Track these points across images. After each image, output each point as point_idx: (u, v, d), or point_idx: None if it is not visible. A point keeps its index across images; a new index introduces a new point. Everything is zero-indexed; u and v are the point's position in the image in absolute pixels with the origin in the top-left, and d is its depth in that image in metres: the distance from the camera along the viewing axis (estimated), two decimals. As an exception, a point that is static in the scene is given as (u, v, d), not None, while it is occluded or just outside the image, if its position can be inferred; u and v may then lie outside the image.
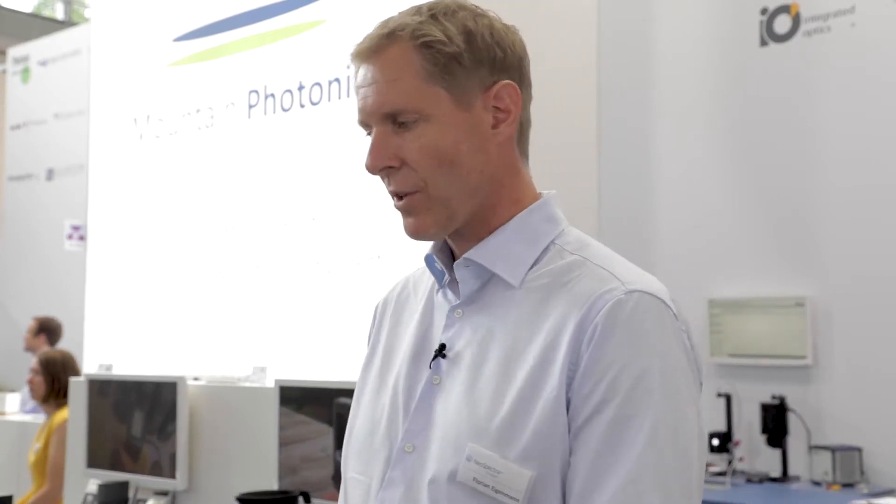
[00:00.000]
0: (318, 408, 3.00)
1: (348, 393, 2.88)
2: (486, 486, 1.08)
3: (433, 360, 1.19)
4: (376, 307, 1.36)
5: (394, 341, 1.28)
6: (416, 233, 1.18)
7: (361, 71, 1.17)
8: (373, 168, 1.16)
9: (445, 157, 1.14)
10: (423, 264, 1.27)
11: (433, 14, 1.16)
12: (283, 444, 3.07)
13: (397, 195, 1.17)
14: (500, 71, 1.17)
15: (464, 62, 1.14)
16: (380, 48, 1.15)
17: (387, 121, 1.15)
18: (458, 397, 1.13)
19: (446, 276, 1.23)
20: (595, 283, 1.12)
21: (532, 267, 1.16)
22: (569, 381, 1.07)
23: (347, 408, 1.33)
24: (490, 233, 1.18)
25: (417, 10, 1.17)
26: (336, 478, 2.90)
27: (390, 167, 1.15)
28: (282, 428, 3.06)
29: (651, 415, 1.04)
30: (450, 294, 1.22)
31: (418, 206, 1.16)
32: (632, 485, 1.02)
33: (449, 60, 1.14)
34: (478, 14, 1.18)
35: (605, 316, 1.07)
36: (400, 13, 1.18)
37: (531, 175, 1.23)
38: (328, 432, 2.94)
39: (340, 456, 1.29)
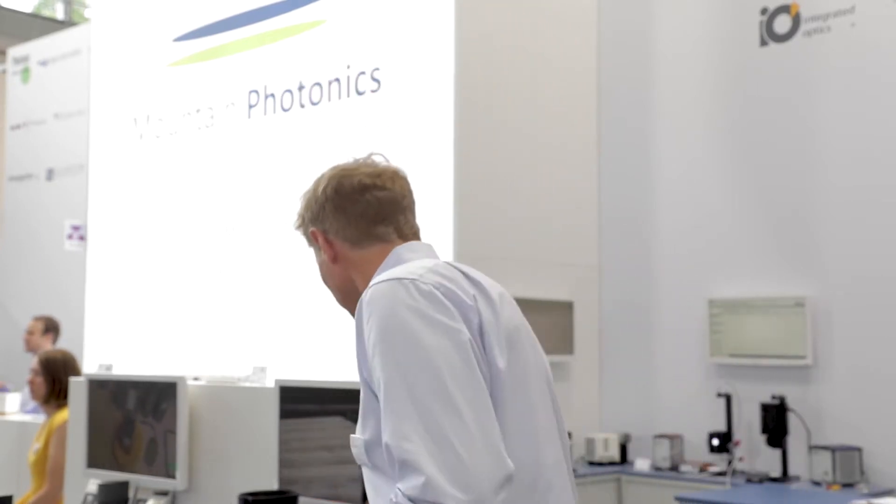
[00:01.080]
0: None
1: (352, 393, 2.89)
2: (358, 458, 1.52)
3: None
4: None
5: None
6: None
7: None
8: None
9: (324, 281, 1.77)
10: None
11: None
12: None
13: None
14: (313, 223, 1.76)
15: (302, 229, 1.79)
16: None
17: None
18: None
19: None
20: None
21: None
22: (361, 370, 1.50)
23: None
24: None
25: None
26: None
27: None
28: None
29: (383, 360, 1.42)
30: None
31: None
32: (389, 414, 1.38)
33: (303, 231, 1.80)
34: (313, 188, 1.79)
35: (357, 313, 1.52)
36: None
37: (396, 241, 1.71)
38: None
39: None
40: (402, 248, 1.69)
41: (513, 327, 1.56)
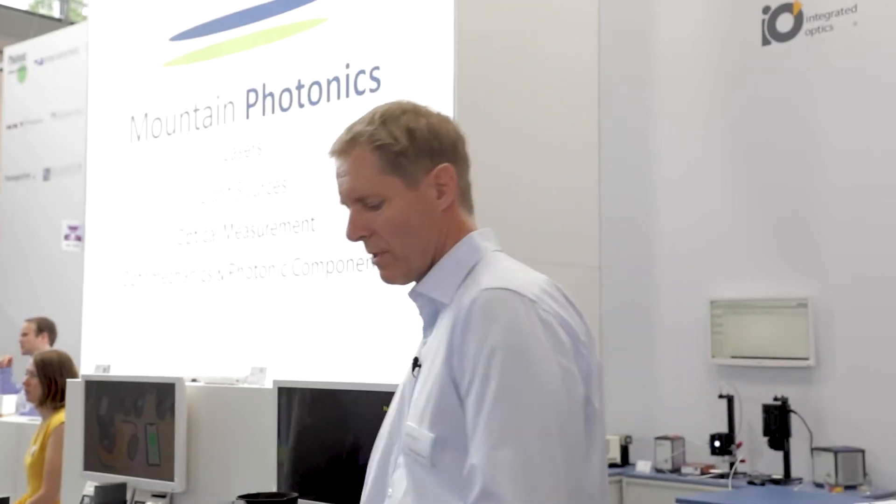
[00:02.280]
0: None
1: (351, 394, 2.86)
2: (411, 450, 1.46)
3: (412, 370, 1.57)
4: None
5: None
6: (387, 282, 1.59)
7: (336, 163, 1.59)
8: (350, 237, 1.57)
9: (402, 226, 1.53)
10: None
11: (384, 121, 1.55)
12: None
13: (372, 255, 1.58)
14: (438, 156, 1.55)
15: (409, 155, 1.53)
16: (346, 149, 1.56)
17: (357, 203, 1.56)
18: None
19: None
20: (470, 292, 1.46)
21: (459, 287, 1.52)
22: (450, 365, 1.42)
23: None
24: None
25: (371, 119, 1.56)
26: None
27: (363, 236, 1.56)
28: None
29: (498, 378, 1.36)
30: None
31: (386, 262, 1.57)
32: (487, 436, 1.34)
33: (396, 156, 1.53)
34: (419, 114, 1.57)
35: (465, 313, 1.42)
36: (361, 118, 1.58)
37: (472, 218, 1.62)
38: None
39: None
40: (478, 236, 1.59)
41: (599, 363, 1.55)
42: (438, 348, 1.47)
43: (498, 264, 1.53)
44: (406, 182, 1.53)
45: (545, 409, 1.36)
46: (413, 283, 1.59)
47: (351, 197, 1.57)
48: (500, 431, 1.34)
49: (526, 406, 1.35)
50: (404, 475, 1.48)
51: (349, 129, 1.57)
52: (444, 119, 1.59)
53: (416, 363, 1.56)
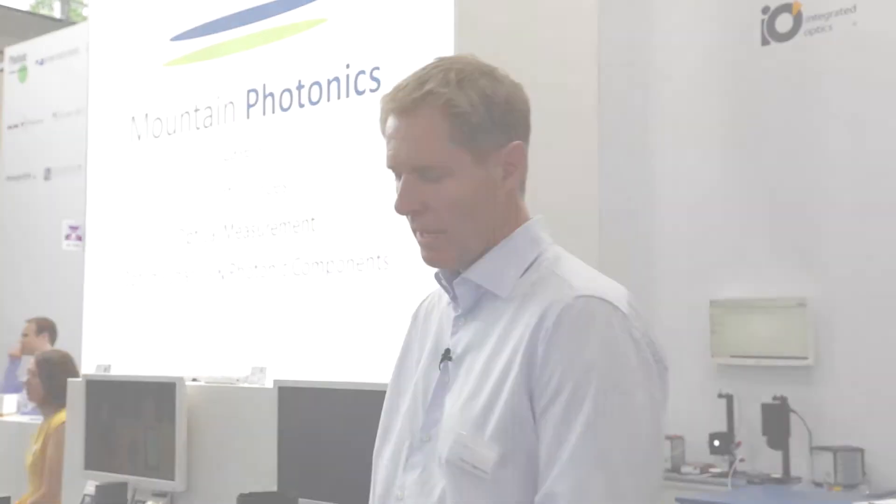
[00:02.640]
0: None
1: (352, 393, 2.87)
2: (466, 462, 1.30)
3: (441, 362, 1.41)
4: (415, 314, 1.57)
5: (419, 346, 1.50)
6: (432, 264, 1.41)
7: (392, 122, 1.37)
8: (401, 210, 1.38)
9: (464, 207, 1.36)
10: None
11: (460, 81, 1.35)
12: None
13: (421, 232, 1.38)
14: (512, 132, 1.38)
15: (485, 128, 1.35)
16: (413, 109, 1.35)
17: (414, 171, 1.36)
18: (456, 393, 1.37)
19: (452, 289, 1.43)
20: (553, 292, 1.32)
21: (517, 279, 1.38)
22: (528, 375, 1.28)
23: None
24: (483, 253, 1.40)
25: (446, 77, 1.35)
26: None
27: (415, 210, 1.37)
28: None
29: (593, 401, 1.24)
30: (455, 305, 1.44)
31: (439, 244, 1.38)
32: (576, 463, 1.23)
33: (472, 128, 1.34)
34: (496, 80, 1.38)
35: (555, 319, 1.29)
36: (431, 73, 1.36)
37: (525, 203, 1.46)
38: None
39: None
40: (536, 225, 1.44)
41: None
42: (498, 348, 1.33)
43: (572, 263, 1.41)
44: (475, 157, 1.35)
45: (636, 442, 1.26)
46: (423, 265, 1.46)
47: (408, 165, 1.36)
48: (589, 462, 1.23)
49: (618, 437, 1.25)
50: (440, 483, 1.34)
51: (418, 83, 1.36)
52: (517, 86, 1.42)
53: (446, 355, 1.41)
